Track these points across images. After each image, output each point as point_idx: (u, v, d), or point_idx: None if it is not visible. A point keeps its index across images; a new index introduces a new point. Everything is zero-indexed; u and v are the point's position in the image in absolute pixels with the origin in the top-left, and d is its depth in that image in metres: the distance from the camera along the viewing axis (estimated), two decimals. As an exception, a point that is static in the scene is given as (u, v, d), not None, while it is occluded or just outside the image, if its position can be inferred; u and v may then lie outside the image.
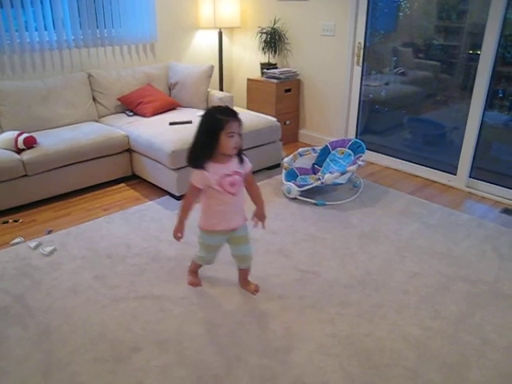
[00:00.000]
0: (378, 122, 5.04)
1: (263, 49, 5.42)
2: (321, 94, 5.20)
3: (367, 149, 4.19)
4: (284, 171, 4.07)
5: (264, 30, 5.35)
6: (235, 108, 4.82)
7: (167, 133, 3.89)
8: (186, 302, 2.60)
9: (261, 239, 3.21)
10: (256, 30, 5.46)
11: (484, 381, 2.09)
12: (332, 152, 4.23)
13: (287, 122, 5.32)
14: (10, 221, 3.54)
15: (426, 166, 4.47)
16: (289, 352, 2.24)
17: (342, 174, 3.76)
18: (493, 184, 4.03)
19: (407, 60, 4.58)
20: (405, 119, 4.79)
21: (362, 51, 4.69)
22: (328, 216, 3.62)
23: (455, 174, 4.25)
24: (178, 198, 3.84)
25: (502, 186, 3.98)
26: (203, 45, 5.72)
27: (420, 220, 3.57)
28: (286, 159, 4.16)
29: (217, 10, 5.23)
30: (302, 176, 4.17)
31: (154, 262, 3.00)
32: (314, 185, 3.81)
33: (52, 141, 3.79)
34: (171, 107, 4.70)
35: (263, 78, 5.31)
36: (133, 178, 4.31)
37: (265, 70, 5.30)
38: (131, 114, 4.55)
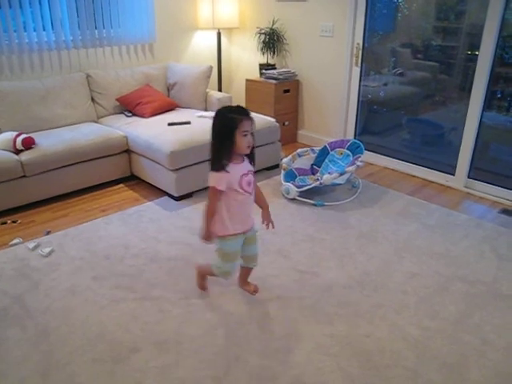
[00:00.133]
0: (377, 123, 5.04)
1: (262, 49, 5.43)
2: (319, 95, 5.20)
3: (366, 149, 4.20)
4: (283, 172, 4.07)
5: (263, 31, 5.35)
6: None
7: (166, 133, 3.89)
8: (185, 303, 2.59)
9: (260, 240, 3.20)
10: (255, 31, 5.46)
11: (484, 381, 2.09)
12: (331, 153, 4.23)
13: (286, 123, 5.32)
14: (9, 222, 3.54)
15: (424, 167, 4.47)
16: (288, 352, 2.24)
17: (341, 174, 3.76)
18: (491, 184, 4.04)
19: (406, 61, 4.59)
20: (403, 120, 4.79)
21: (360, 52, 4.69)
22: (327, 216, 3.62)
23: (454, 175, 4.25)
24: (177, 199, 3.85)
25: (500, 186, 3.98)
26: (202, 45, 5.72)
27: (418, 220, 3.57)
28: (284, 160, 4.16)
29: (215, 11, 5.23)
30: (301, 177, 4.17)
31: (152, 262, 2.99)
32: (312, 185, 3.81)
33: (50, 141, 3.78)
34: (170, 108, 4.70)
35: (262, 79, 5.31)
36: (131, 179, 4.31)
37: (263, 71, 5.31)
38: (130, 114, 4.54)
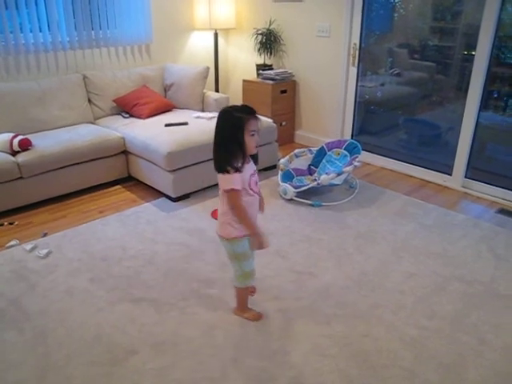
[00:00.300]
0: (374, 123, 5.04)
1: (259, 50, 5.42)
2: (316, 95, 5.20)
3: (363, 149, 4.19)
4: (280, 172, 4.07)
5: (259, 31, 5.35)
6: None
7: (163, 134, 3.88)
8: (182, 304, 2.59)
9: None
10: (251, 32, 5.46)
11: (481, 380, 2.09)
12: (328, 153, 4.23)
13: (283, 123, 5.32)
14: (6, 223, 3.53)
15: (421, 167, 4.48)
16: (285, 353, 2.24)
17: (338, 174, 3.76)
18: (488, 184, 4.04)
19: (402, 61, 4.59)
20: (400, 120, 4.79)
21: (357, 52, 4.69)
22: (324, 217, 3.62)
23: (451, 175, 4.26)
24: (174, 200, 3.84)
25: (497, 186, 3.99)
26: (199, 46, 5.71)
27: (416, 220, 3.57)
28: (282, 160, 4.16)
29: (212, 12, 5.23)
30: (298, 177, 4.17)
31: (149, 264, 2.99)
32: (310, 186, 3.81)
33: (47, 143, 3.78)
34: (167, 109, 4.69)
35: (259, 79, 5.31)
36: (129, 180, 4.30)
37: (260, 71, 5.31)
38: (127, 115, 4.54)
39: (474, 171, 4.15)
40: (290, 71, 5.29)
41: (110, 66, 4.95)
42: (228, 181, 2.12)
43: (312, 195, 3.91)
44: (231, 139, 2.09)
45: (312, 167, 4.26)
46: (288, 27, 5.24)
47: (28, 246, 3.14)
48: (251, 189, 2.22)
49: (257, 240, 2.22)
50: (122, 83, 4.70)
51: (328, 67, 4.97)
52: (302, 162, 4.35)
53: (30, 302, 2.61)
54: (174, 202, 3.85)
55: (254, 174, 2.25)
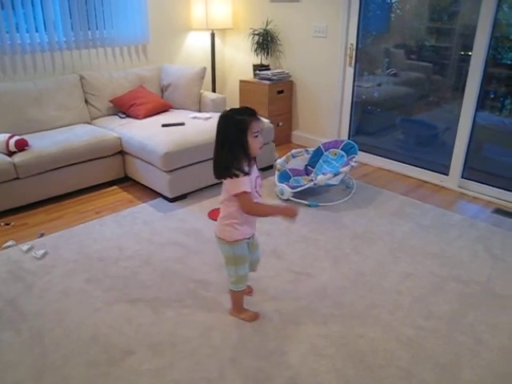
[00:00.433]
0: (371, 123, 5.05)
1: (255, 50, 5.42)
2: (313, 95, 5.21)
3: (360, 150, 4.20)
4: (277, 172, 4.08)
5: (256, 32, 5.35)
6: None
7: (160, 135, 3.88)
8: (179, 305, 2.59)
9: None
10: (248, 32, 5.46)
11: (477, 380, 2.10)
12: (325, 153, 4.23)
13: (280, 124, 5.32)
14: (2, 224, 3.52)
15: (418, 167, 4.48)
16: (282, 354, 2.24)
17: (335, 175, 3.76)
18: (485, 184, 4.05)
19: (399, 61, 4.60)
20: (397, 120, 4.80)
21: (354, 52, 4.69)
22: (321, 217, 3.63)
23: (447, 175, 4.26)
24: (171, 200, 3.84)
25: (493, 186, 4.00)
26: (196, 46, 5.71)
27: (413, 220, 3.58)
28: (278, 160, 4.16)
29: (209, 12, 5.22)
30: (295, 177, 4.17)
31: (146, 264, 2.98)
32: (306, 186, 3.81)
33: (44, 143, 3.77)
34: (164, 109, 4.69)
35: (256, 80, 5.31)
36: (125, 180, 4.30)
37: (257, 72, 5.31)
38: (124, 115, 4.53)
39: (470, 171, 4.16)
40: (286, 71, 5.29)
41: (106, 66, 4.94)
42: (238, 184, 2.09)
43: (309, 195, 3.92)
44: (235, 143, 2.07)
45: (309, 167, 4.27)
46: (285, 27, 5.24)
47: (24, 247, 3.13)
48: (256, 191, 2.22)
49: (288, 214, 2.20)
50: (118, 83, 4.70)
51: (325, 67, 4.98)
52: (299, 163, 4.35)
53: (27, 303, 2.60)
54: (171, 202, 3.85)
55: (259, 176, 2.25)
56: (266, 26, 5.32)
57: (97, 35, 4.75)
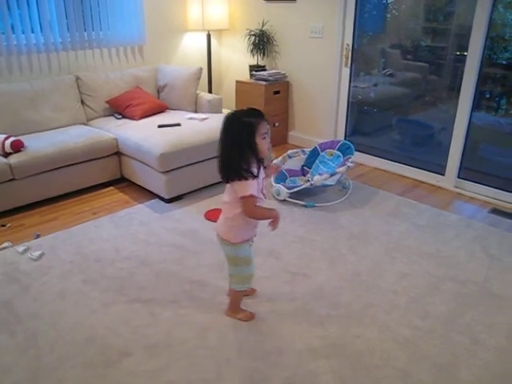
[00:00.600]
0: (367, 124, 5.06)
1: (252, 51, 5.42)
2: (309, 96, 5.21)
3: (356, 150, 4.20)
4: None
5: (252, 32, 5.35)
6: (224, 110, 4.84)
7: (156, 135, 3.87)
8: (176, 306, 2.58)
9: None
10: (244, 32, 5.45)
11: (474, 380, 2.10)
12: (321, 154, 4.23)
13: (276, 124, 5.32)
14: (-2, 225, 3.52)
15: (414, 167, 4.49)
16: (279, 354, 2.24)
17: (332, 175, 3.77)
18: (481, 184, 4.06)
19: (395, 61, 4.61)
20: (393, 120, 4.81)
21: (350, 53, 4.70)
22: (317, 217, 3.63)
23: (444, 175, 4.27)
24: (168, 201, 3.83)
25: (490, 186, 4.00)
26: (192, 47, 5.71)
27: (409, 221, 3.58)
28: (275, 161, 4.16)
29: (205, 12, 5.22)
30: (292, 178, 4.17)
31: (143, 265, 2.98)
32: (303, 186, 3.81)
33: (40, 144, 3.76)
34: (160, 110, 4.68)
35: (252, 80, 5.31)
36: (122, 181, 4.29)
37: (253, 72, 5.31)
38: (120, 116, 4.52)
39: (466, 171, 4.16)
40: (283, 72, 5.29)
41: (102, 67, 4.93)
42: (246, 187, 2.08)
43: (305, 196, 3.91)
44: (244, 145, 2.05)
45: (305, 168, 4.27)
46: (281, 28, 5.24)
47: (20, 248, 3.12)
48: (262, 193, 2.22)
49: (271, 216, 2.21)
50: (114, 84, 4.69)
51: (321, 68, 4.98)
52: (295, 163, 4.35)
53: (22, 305, 2.59)
54: (167, 203, 3.85)
55: (265, 177, 2.24)
56: (262, 26, 5.32)
57: (93, 36, 4.74)
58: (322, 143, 4.29)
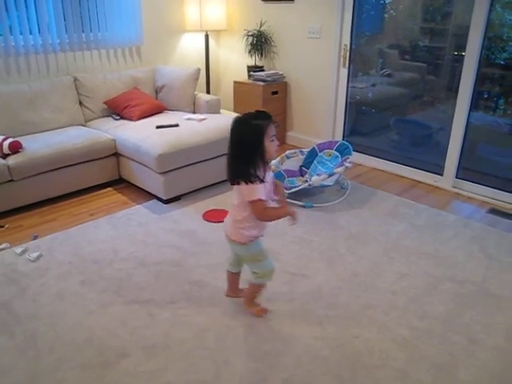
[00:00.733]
0: (365, 124, 5.06)
1: (250, 51, 5.43)
2: (307, 96, 5.21)
3: (354, 150, 4.20)
4: (271, 173, 4.07)
5: (250, 33, 5.35)
6: (222, 111, 4.84)
7: (154, 136, 3.87)
8: (174, 307, 2.58)
9: (249, 242, 3.20)
10: (242, 33, 5.46)
11: (473, 380, 2.10)
12: (319, 154, 4.23)
13: (274, 125, 5.30)
14: (-4, 226, 3.51)
15: (412, 167, 4.49)
16: (277, 355, 2.24)
17: (330, 175, 3.77)
18: (479, 184, 4.06)
19: (393, 62, 4.61)
20: (391, 120, 4.81)
21: (348, 53, 4.70)
22: (315, 218, 3.63)
23: (442, 175, 4.27)
24: (166, 202, 3.83)
25: (488, 186, 4.00)
26: (190, 48, 5.71)
27: (407, 221, 3.58)
28: (273, 161, 4.15)
29: (203, 13, 5.22)
30: (290, 178, 4.17)
31: (141, 266, 2.97)
32: (301, 187, 3.81)
33: (38, 145, 3.75)
34: (158, 110, 4.68)
35: (250, 81, 5.31)
36: (120, 182, 4.29)
37: (251, 73, 5.31)
38: (118, 117, 4.52)
39: (464, 171, 4.16)
40: (280, 72, 5.29)
41: (100, 68, 4.93)
42: (253, 192, 2.09)
43: (303, 196, 3.91)
44: (253, 148, 2.06)
45: (303, 168, 4.27)
46: (279, 28, 5.25)
47: (18, 249, 3.12)
48: (270, 196, 2.23)
49: (290, 214, 2.22)
50: (112, 85, 4.68)
51: (319, 68, 4.98)
52: (294, 163, 4.35)
53: (21, 306, 2.59)
54: (166, 204, 3.85)
55: (273, 179, 2.26)
56: (260, 27, 5.32)
57: (91, 37, 4.74)
58: (320, 143, 4.29)
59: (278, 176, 4.08)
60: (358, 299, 2.65)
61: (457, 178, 4.20)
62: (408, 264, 3.00)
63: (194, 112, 4.83)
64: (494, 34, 3.74)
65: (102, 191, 4.15)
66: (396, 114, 4.78)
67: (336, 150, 4.16)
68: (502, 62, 3.83)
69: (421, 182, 4.37)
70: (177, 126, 4.13)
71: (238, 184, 2.13)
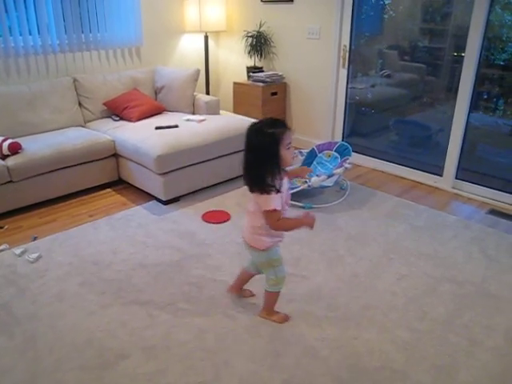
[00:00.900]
0: (365, 125, 5.06)
1: (249, 52, 5.43)
2: (307, 97, 5.21)
3: (354, 151, 4.21)
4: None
5: (250, 34, 5.35)
6: (221, 112, 4.84)
7: (153, 137, 3.87)
8: (173, 308, 2.58)
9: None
10: (242, 34, 5.46)
11: (473, 381, 2.10)
12: (319, 155, 4.23)
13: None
14: (-5, 227, 3.51)
15: (412, 168, 4.49)
16: (277, 356, 2.23)
17: (329, 176, 3.77)
18: (479, 185, 4.06)
19: (393, 62, 4.61)
20: (391, 121, 4.81)
21: (347, 54, 4.70)
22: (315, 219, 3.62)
23: (441, 176, 4.27)
24: (165, 203, 3.83)
25: (487, 186, 4.00)
26: (189, 49, 5.71)
27: (407, 222, 3.58)
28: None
29: (202, 14, 5.22)
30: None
31: (140, 267, 2.97)
32: (300, 188, 3.81)
33: (37, 146, 3.75)
34: (157, 111, 4.68)
35: (249, 82, 5.31)
36: (119, 183, 4.29)
37: (251, 74, 5.31)
38: (117, 118, 4.52)
39: (464, 172, 4.16)
40: (280, 73, 5.29)
41: (100, 69, 4.93)
42: (268, 202, 2.07)
43: (303, 197, 3.91)
44: (269, 157, 2.03)
45: (303, 169, 4.26)
46: (278, 29, 5.25)
47: (18, 251, 3.12)
48: (287, 203, 2.22)
49: (308, 224, 2.22)
50: (112, 86, 4.68)
51: (318, 69, 4.98)
52: (293, 164, 4.34)
53: (20, 307, 2.58)
54: (165, 205, 3.84)
55: (289, 187, 2.25)
56: (260, 28, 5.33)
57: (90, 38, 4.74)
58: (319, 144, 4.29)
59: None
60: (357, 300, 2.65)
61: (456, 178, 4.19)
62: (408, 265, 3.00)
63: (193, 113, 4.83)
64: (493, 35, 3.74)
65: (101, 192, 4.15)
66: (395, 115, 4.78)
67: (335, 151, 4.16)
68: (501, 63, 3.83)
69: (420, 183, 4.37)
70: (176, 126, 4.13)
71: (254, 192, 2.11)
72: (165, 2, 5.28)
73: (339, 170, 3.79)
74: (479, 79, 3.87)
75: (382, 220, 3.60)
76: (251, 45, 5.37)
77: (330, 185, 3.90)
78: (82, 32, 4.66)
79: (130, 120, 4.42)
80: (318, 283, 2.81)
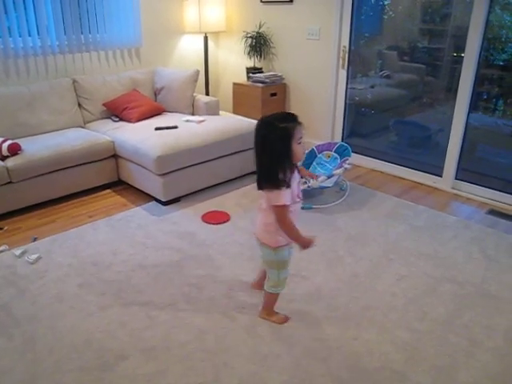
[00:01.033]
0: (364, 125, 5.06)
1: (249, 53, 5.43)
2: (306, 98, 5.21)
3: (353, 152, 4.20)
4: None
5: (249, 35, 5.35)
6: (221, 113, 4.83)
7: (153, 138, 3.86)
8: (173, 309, 2.58)
9: (247, 243, 3.20)
10: (241, 35, 5.46)
11: (473, 382, 2.10)
12: (318, 155, 4.23)
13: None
14: (-5, 229, 3.51)
15: (411, 168, 4.49)
16: (276, 357, 2.23)
17: (329, 177, 3.76)
18: (478, 185, 4.06)
19: (392, 63, 4.61)
20: (390, 122, 4.81)
21: (346, 55, 4.70)
22: (315, 219, 3.62)
23: (441, 176, 4.27)
24: (165, 204, 3.83)
25: (487, 187, 4.00)
26: (189, 49, 5.71)
27: (406, 222, 3.58)
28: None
29: (202, 15, 5.22)
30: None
31: (140, 268, 2.97)
32: (300, 188, 3.80)
33: (37, 147, 3.75)
34: (157, 112, 4.68)
35: (249, 83, 5.31)
36: (119, 184, 4.28)
37: (250, 75, 5.31)
38: (117, 119, 4.52)
39: (463, 172, 4.16)
40: (279, 74, 5.29)
41: (99, 69, 4.93)
42: (278, 197, 2.05)
43: (302, 198, 3.90)
44: (281, 152, 2.01)
45: (303, 170, 4.26)
46: (278, 30, 5.25)
47: (17, 252, 3.12)
48: (298, 197, 2.21)
49: (305, 245, 2.24)
50: (111, 87, 4.68)
51: (318, 70, 4.98)
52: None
53: (20, 308, 2.58)
54: (165, 205, 3.84)
55: (300, 181, 2.23)
56: (259, 28, 5.33)
57: (90, 39, 4.74)
58: (319, 145, 4.28)
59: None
60: (357, 300, 2.65)
61: (456, 179, 4.19)
62: (407, 265, 3.00)
63: (192, 114, 4.83)
64: (492, 36, 3.74)
65: (100, 193, 4.14)
66: (395, 116, 4.78)
67: (335, 152, 4.16)
68: (501, 63, 3.83)
69: (420, 184, 4.37)
70: (176, 127, 4.12)
71: (265, 189, 2.10)
72: (164, 3, 5.28)
73: (339, 171, 3.79)
74: (479, 80, 3.87)
75: (381, 220, 3.60)
76: (251, 45, 5.37)
77: (330, 185, 3.90)
78: (82, 33, 4.66)
79: (129, 121, 4.42)
80: (317, 283, 2.81)
